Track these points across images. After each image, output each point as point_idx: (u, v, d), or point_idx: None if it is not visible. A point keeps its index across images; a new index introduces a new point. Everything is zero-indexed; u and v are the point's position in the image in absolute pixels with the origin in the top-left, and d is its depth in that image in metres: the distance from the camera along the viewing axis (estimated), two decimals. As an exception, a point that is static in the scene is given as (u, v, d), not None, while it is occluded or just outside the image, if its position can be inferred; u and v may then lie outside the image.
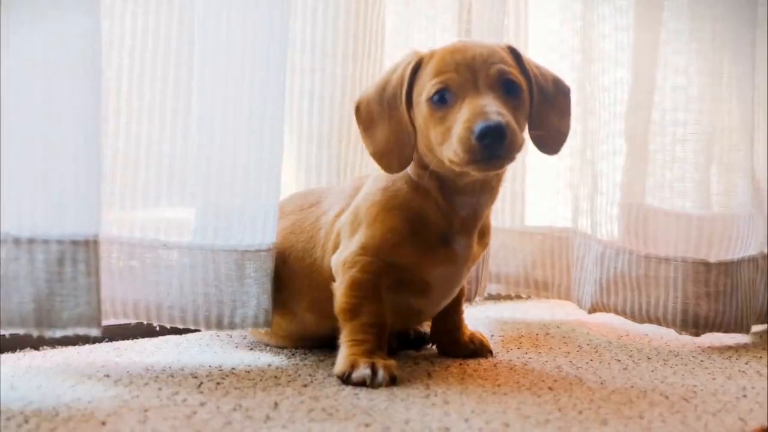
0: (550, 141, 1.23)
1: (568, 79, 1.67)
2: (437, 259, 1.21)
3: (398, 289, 1.23)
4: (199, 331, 1.41)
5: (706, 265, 1.51)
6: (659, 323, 1.54)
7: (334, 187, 1.40)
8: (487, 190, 1.22)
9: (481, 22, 1.59)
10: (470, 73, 1.14)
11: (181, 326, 1.27)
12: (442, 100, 1.14)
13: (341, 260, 1.22)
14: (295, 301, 1.29)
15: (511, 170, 1.71)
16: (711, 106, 1.57)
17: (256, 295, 1.26)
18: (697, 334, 1.53)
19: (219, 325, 1.26)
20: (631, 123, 1.58)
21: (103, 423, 0.95)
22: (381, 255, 1.20)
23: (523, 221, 1.76)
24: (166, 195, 1.28)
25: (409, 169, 1.22)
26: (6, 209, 1.06)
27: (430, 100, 1.15)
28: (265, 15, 1.24)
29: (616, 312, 1.57)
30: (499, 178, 1.23)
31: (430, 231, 1.21)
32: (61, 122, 1.08)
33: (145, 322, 1.27)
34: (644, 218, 1.57)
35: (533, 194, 1.78)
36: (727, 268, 1.53)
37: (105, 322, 1.36)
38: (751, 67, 1.58)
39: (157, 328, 1.32)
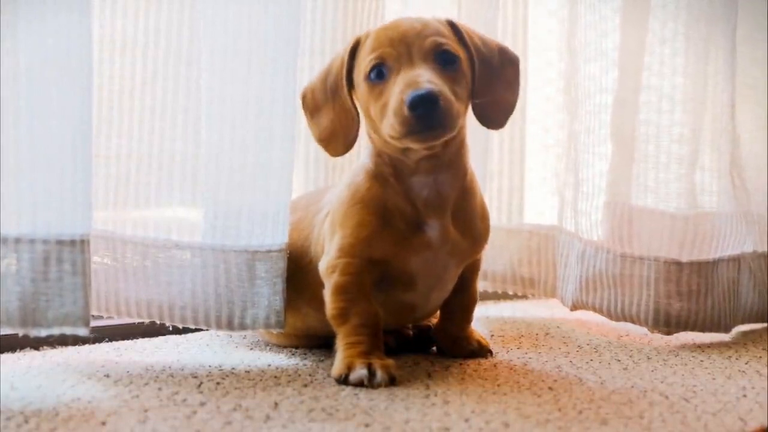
0: (495, 112, 1.24)
1: (564, 77, 1.69)
2: (411, 246, 1.21)
3: (385, 286, 1.23)
4: (201, 330, 1.41)
5: (678, 264, 1.52)
6: (633, 322, 1.54)
7: (335, 185, 1.41)
8: (443, 167, 1.21)
9: (475, 19, 1.59)
10: (405, 46, 1.15)
11: (193, 326, 1.28)
12: (380, 75, 1.16)
13: (324, 266, 1.22)
14: (298, 297, 1.29)
15: (498, 167, 1.72)
16: (693, 106, 1.57)
17: (267, 296, 1.26)
18: (669, 333, 1.53)
19: (230, 326, 1.26)
20: (616, 123, 1.58)
21: (103, 423, 0.95)
22: (357, 253, 1.20)
23: (521, 219, 1.76)
24: (178, 194, 1.29)
25: (368, 159, 1.23)
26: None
27: (367, 77, 1.16)
28: (274, 12, 1.24)
29: (594, 310, 1.58)
30: (454, 154, 1.22)
31: (398, 218, 1.21)
32: (49, 123, 1.08)
33: (156, 322, 1.28)
34: (622, 217, 1.57)
35: (521, 193, 1.78)
36: (700, 267, 1.53)
37: (107, 322, 1.38)
38: (731, 68, 1.59)
39: (158, 325, 1.32)
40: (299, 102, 1.26)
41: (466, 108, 1.21)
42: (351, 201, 1.23)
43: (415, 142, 1.14)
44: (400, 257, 1.21)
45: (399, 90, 1.12)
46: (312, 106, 1.25)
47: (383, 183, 1.22)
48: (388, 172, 1.21)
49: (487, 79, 1.22)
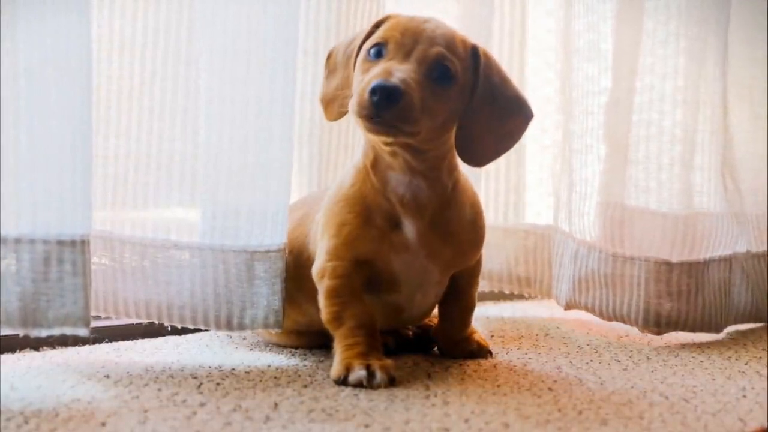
0: (480, 151, 1.22)
1: (560, 77, 1.69)
2: (392, 245, 1.21)
3: (371, 287, 1.23)
4: (200, 331, 1.41)
5: (669, 264, 1.52)
6: (624, 321, 1.55)
7: None
8: (418, 174, 1.20)
9: (470, 17, 1.59)
10: (411, 41, 1.15)
11: (191, 326, 1.28)
12: (378, 54, 1.16)
13: (315, 270, 1.23)
14: (299, 292, 1.29)
15: (494, 167, 1.71)
16: (687, 107, 1.57)
17: (266, 296, 1.26)
18: (659, 333, 1.54)
19: (229, 326, 1.27)
20: (610, 123, 1.58)
21: (103, 423, 0.95)
22: (344, 255, 1.20)
23: (518, 218, 1.76)
24: (177, 194, 1.29)
25: (360, 151, 1.24)
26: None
27: (367, 51, 1.17)
28: (273, 13, 1.24)
29: (587, 309, 1.58)
30: (430, 167, 1.20)
31: (377, 215, 1.21)
32: (49, 123, 1.08)
33: (155, 322, 1.28)
34: (614, 217, 1.58)
35: (518, 193, 1.78)
36: (691, 267, 1.54)
37: (107, 323, 1.38)
38: (723, 69, 1.59)
39: (158, 325, 1.32)
40: (299, 103, 1.26)
41: (441, 128, 1.18)
42: (336, 198, 1.23)
43: (364, 127, 1.13)
44: (382, 255, 1.21)
45: (374, 73, 1.12)
46: (332, 65, 1.27)
47: (365, 177, 1.22)
48: (369, 163, 1.22)
49: (485, 117, 1.20)
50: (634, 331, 1.59)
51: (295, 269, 1.29)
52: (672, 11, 1.57)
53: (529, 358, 1.35)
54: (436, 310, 1.36)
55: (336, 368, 1.17)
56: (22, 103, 1.07)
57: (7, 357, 1.26)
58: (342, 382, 1.15)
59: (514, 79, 1.33)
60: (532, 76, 1.74)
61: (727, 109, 1.64)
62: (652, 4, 1.57)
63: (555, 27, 1.72)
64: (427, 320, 1.40)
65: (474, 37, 1.27)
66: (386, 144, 1.18)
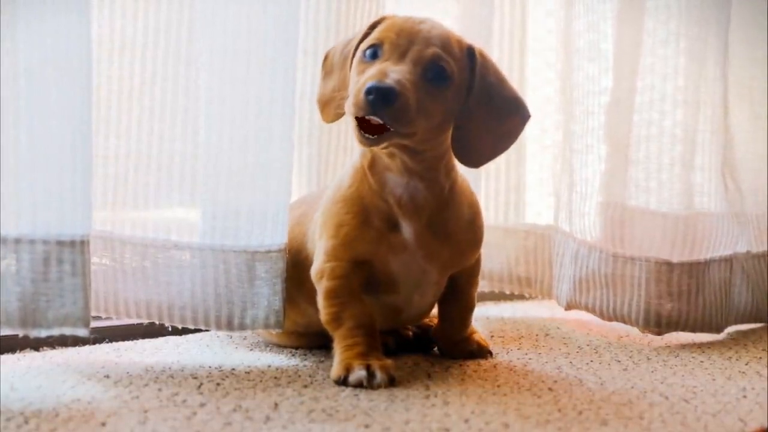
0: (473, 151, 1.21)
1: (560, 77, 1.69)
2: (390, 246, 1.20)
3: (370, 288, 1.23)
4: (201, 331, 1.41)
5: (669, 264, 1.52)
6: (624, 321, 1.55)
7: None
8: (415, 175, 1.20)
9: (470, 17, 1.59)
10: (407, 42, 1.15)
11: (192, 326, 1.28)
12: (374, 55, 1.16)
13: (314, 271, 1.23)
14: (297, 291, 1.29)
15: (494, 166, 1.71)
16: (688, 107, 1.57)
17: (267, 296, 1.26)
18: (659, 333, 1.54)
19: (230, 326, 1.27)
20: (611, 124, 1.58)
21: (103, 424, 0.95)
22: (342, 256, 1.20)
23: (519, 218, 1.76)
24: (177, 194, 1.29)
25: (358, 152, 1.23)
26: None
27: (363, 52, 1.17)
28: (273, 13, 1.24)
29: (587, 309, 1.58)
30: (427, 168, 1.20)
31: (375, 216, 1.21)
32: (49, 123, 1.08)
33: (155, 322, 1.28)
34: (615, 217, 1.58)
35: (518, 192, 1.78)
36: (691, 268, 1.54)
37: (107, 323, 1.38)
38: (723, 69, 1.59)
39: (158, 326, 1.32)
40: (299, 103, 1.26)
41: (438, 129, 1.18)
42: (334, 199, 1.23)
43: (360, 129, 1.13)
44: (380, 256, 1.21)
45: (369, 75, 1.12)
46: (329, 67, 1.26)
47: (363, 178, 1.22)
48: (367, 164, 1.21)
49: (482, 117, 1.20)
50: (635, 331, 1.59)
51: (294, 268, 1.29)
52: (672, 11, 1.57)
53: (530, 359, 1.35)
54: (435, 310, 1.36)
55: (336, 368, 1.17)
56: (22, 103, 1.07)
57: (7, 357, 1.26)
58: (342, 382, 1.15)
59: (515, 79, 1.33)
60: (532, 77, 1.74)
61: (728, 109, 1.64)
62: (653, 3, 1.58)
63: (555, 27, 1.71)
64: (427, 320, 1.40)
65: (474, 37, 1.28)
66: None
